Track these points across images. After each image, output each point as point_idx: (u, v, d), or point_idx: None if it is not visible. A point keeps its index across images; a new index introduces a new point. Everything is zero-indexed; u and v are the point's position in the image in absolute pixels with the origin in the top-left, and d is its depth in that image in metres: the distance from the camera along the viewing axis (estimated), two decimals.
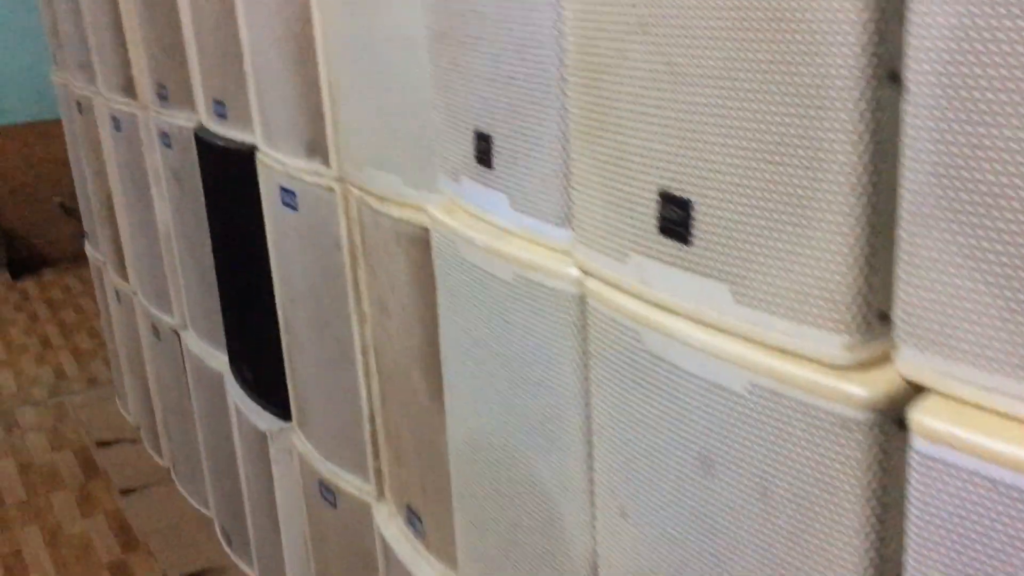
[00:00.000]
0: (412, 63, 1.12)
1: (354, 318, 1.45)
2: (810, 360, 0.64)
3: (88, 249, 2.93)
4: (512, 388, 0.99)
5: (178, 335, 2.30)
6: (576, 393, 0.89)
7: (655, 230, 0.73)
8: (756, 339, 0.67)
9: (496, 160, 0.95)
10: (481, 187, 0.99)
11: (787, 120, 0.60)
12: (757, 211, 0.64)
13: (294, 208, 1.51)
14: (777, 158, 0.62)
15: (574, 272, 0.86)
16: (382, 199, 1.26)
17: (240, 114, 1.68)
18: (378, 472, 1.53)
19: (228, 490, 2.21)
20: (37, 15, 5.13)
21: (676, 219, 0.70)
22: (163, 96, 2.00)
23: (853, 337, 0.61)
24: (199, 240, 2.03)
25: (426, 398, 1.27)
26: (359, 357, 1.47)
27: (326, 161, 1.40)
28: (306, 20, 1.34)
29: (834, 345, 0.62)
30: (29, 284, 5.13)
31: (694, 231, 0.69)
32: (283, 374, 1.77)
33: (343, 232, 1.41)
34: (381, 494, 1.54)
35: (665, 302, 0.74)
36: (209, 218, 1.93)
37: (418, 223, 1.18)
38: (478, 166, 0.99)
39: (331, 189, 1.40)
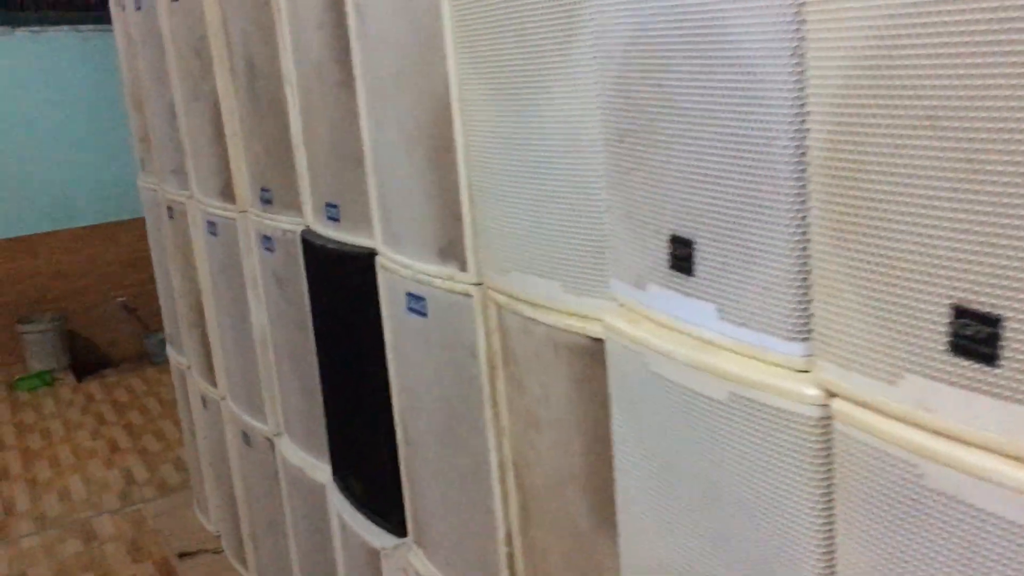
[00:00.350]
0: (576, 162, 1.05)
1: (491, 431, 1.36)
2: None
3: (170, 352, 2.88)
4: (719, 518, 0.88)
5: (272, 443, 2.22)
6: (814, 528, 0.78)
7: (944, 349, 0.63)
8: None
9: (699, 266, 0.87)
10: (677, 295, 0.90)
11: None
12: None
13: (422, 314, 1.43)
14: None
15: (813, 392, 0.76)
16: (535, 306, 1.17)
17: (356, 217, 1.63)
18: None
19: None
20: (101, 123, 5.28)
21: (978, 337, 0.61)
22: (266, 200, 1.96)
23: None
24: (301, 346, 1.96)
25: (585, 521, 1.17)
26: (495, 473, 1.37)
27: (463, 266, 1.33)
28: (444, 119, 1.28)
29: None
30: (93, 385, 5.11)
31: (1003, 351, 0.60)
32: (398, 487, 1.67)
33: (480, 340, 1.33)
34: None
35: (958, 432, 0.64)
36: (315, 323, 1.86)
37: (584, 332, 1.09)
38: (673, 272, 0.90)
39: (468, 295, 1.33)
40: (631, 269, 0.98)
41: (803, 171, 0.74)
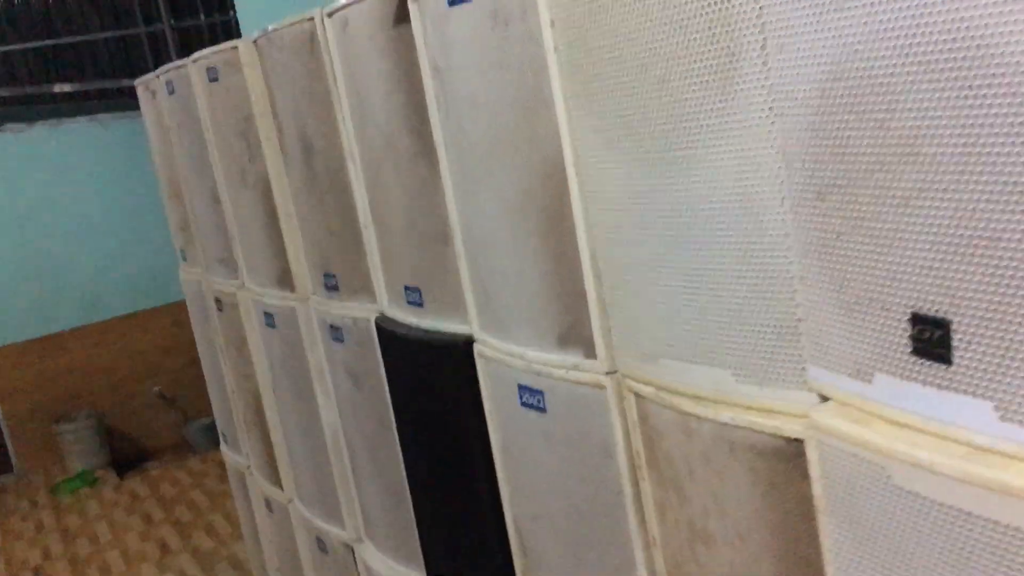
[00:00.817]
0: (748, 228, 0.87)
1: (638, 543, 1.16)
2: None
3: (226, 453, 2.69)
4: None
5: (352, 549, 2.02)
6: None
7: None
8: None
9: (959, 353, 0.68)
10: (926, 388, 0.71)
11: None
12: None
13: (540, 409, 1.24)
14: None
15: None
16: (697, 399, 0.99)
17: (443, 301, 1.45)
18: None
19: None
20: (125, 211, 5.16)
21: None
22: (331, 286, 1.79)
23: None
24: (382, 443, 1.77)
25: None
26: None
27: (590, 352, 1.14)
28: (557, 185, 1.11)
29: None
30: (136, 481, 4.92)
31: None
32: None
33: (618, 437, 1.14)
34: None
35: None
36: (399, 419, 1.67)
37: (773, 431, 0.90)
38: (918, 360, 0.71)
39: (600, 386, 1.14)
40: (845, 355, 0.79)
41: None
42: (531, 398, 1.26)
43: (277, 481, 2.31)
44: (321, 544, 2.15)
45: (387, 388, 1.69)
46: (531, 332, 1.23)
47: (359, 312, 1.72)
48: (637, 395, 1.10)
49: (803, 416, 0.87)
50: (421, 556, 1.75)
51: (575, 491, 1.23)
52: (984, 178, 0.64)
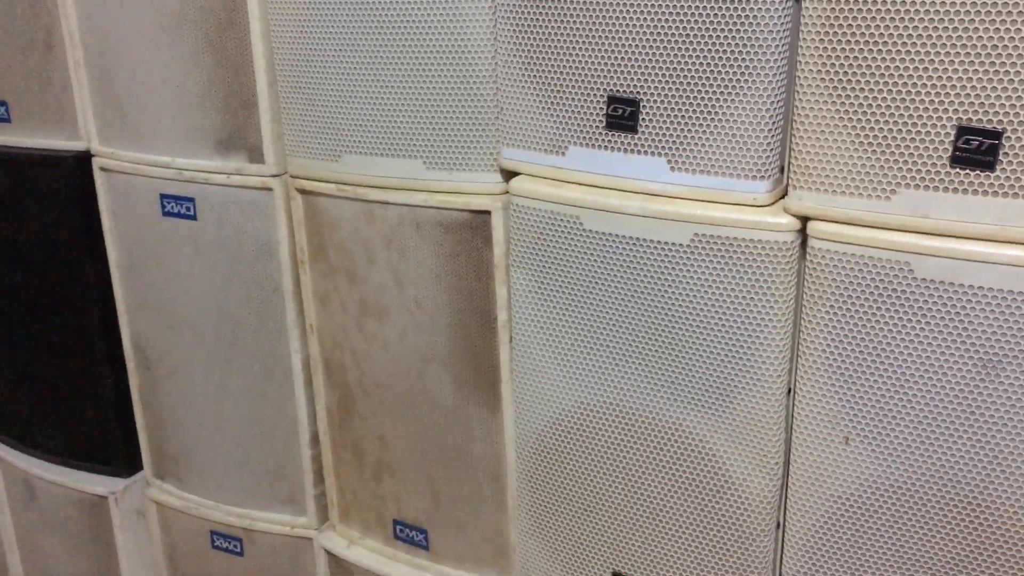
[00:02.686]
0: (450, 33, 1.04)
1: (294, 331, 1.29)
2: None
3: None
4: (659, 357, 0.99)
5: None
6: (782, 342, 0.93)
7: (947, 162, 0.81)
8: None
9: (645, 123, 0.95)
10: (613, 154, 0.97)
11: None
12: None
13: (189, 217, 1.28)
14: None
15: (785, 220, 0.90)
16: (385, 189, 1.14)
17: (41, 117, 1.36)
18: (320, 499, 1.38)
19: None
20: None
21: (980, 149, 0.79)
22: None
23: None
24: None
25: (450, 394, 1.19)
26: (299, 375, 1.31)
27: (256, 158, 1.22)
28: None
29: None
30: None
31: (1002, 159, 0.79)
32: (125, 423, 1.48)
33: (282, 237, 1.24)
34: (324, 521, 1.39)
35: (946, 229, 0.83)
36: None
37: (463, 206, 1.10)
38: (609, 132, 0.97)
39: (267, 189, 1.22)
40: (541, 135, 1.01)
41: (789, 22, 0.85)
42: (178, 206, 1.28)
43: None
44: None
45: None
46: (182, 141, 1.25)
47: None
48: (304, 193, 1.21)
49: (491, 193, 1.08)
50: None
51: (225, 294, 1.30)
52: None
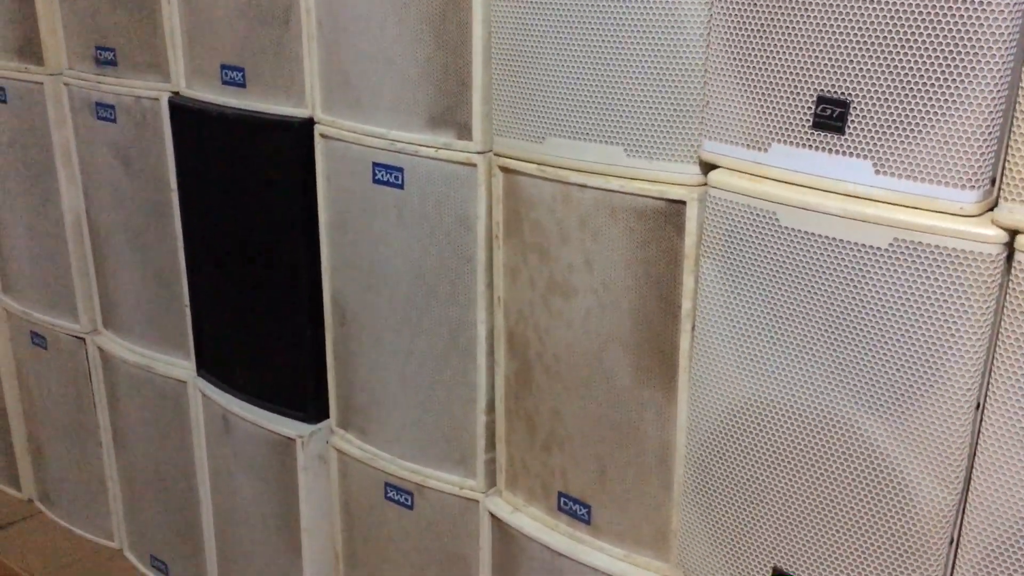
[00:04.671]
0: (668, 26, 1.08)
1: (481, 302, 1.35)
2: None
3: None
4: (846, 356, 1.00)
5: (83, 340, 1.97)
6: (976, 354, 0.92)
7: None
8: None
9: (853, 125, 0.95)
10: (817, 153, 0.98)
11: None
12: None
13: (397, 186, 1.37)
14: None
15: (992, 232, 0.89)
16: (583, 172, 1.19)
17: (274, 84, 1.49)
18: (490, 464, 1.44)
19: (163, 513, 1.95)
20: None
21: None
22: (106, 61, 1.70)
23: None
24: (151, 229, 1.75)
25: (627, 375, 1.23)
26: (483, 343, 1.37)
27: (464, 135, 1.29)
28: None
29: None
30: None
31: None
32: (317, 373, 1.60)
33: (481, 211, 1.31)
34: (492, 486, 1.46)
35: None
36: (185, 203, 1.67)
37: (658, 194, 1.13)
38: (814, 132, 0.98)
39: (471, 164, 1.29)
40: (744, 130, 1.03)
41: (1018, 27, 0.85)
42: (388, 175, 1.37)
43: None
44: (38, 338, 2.06)
45: (172, 170, 1.68)
46: (398, 114, 1.34)
47: (143, 91, 1.67)
48: (507, 171, 1.27)
49: (688, 184, 1.11)
50: (192, 344, 1.78)
51: (423, 260, 1.39)
52: None
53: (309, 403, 1.62)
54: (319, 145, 1.45)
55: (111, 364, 1.94)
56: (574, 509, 1.35)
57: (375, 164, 1.38)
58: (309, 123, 1.46)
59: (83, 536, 2.17)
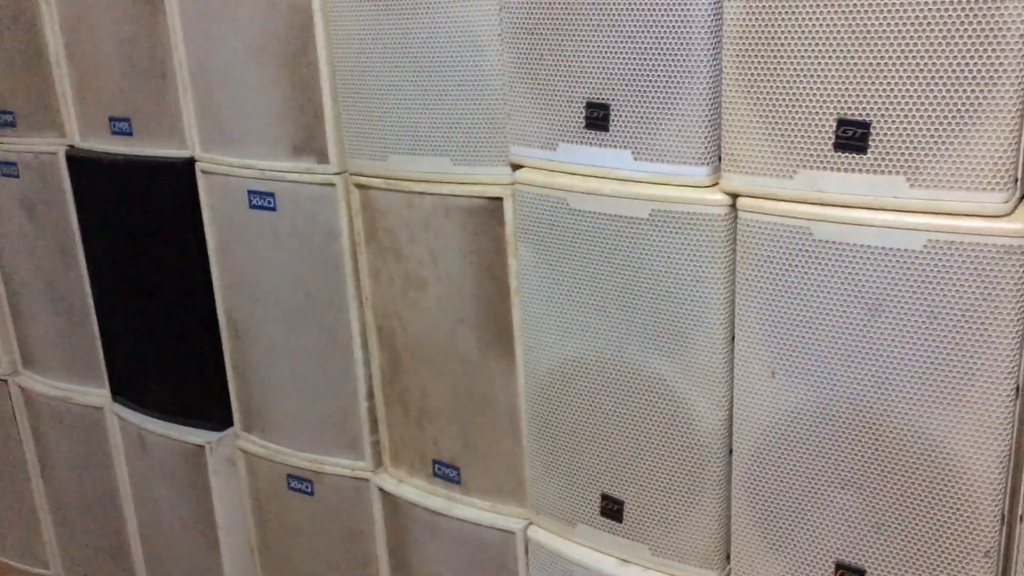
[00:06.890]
0: (474, 59, 1.31)
1: (352, 302, 1.57)
2: None
3: None
4: (628, 314, 1.24)
5: (5, 382, 2.13)
6: (721, 294, 1.17)
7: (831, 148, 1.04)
8: None
9: (614, 123, 1.20)
10: (592, 148, 1.23)
11: None
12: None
13: (270, 209, 1.58)
14: None
15: (719, 197, 1.14)
16: (421, 182, 1.42)
17: (157, 130, 1.69)
18: (375, 446, 1.65)
19: (93, 534, 2.11)
20: None
21: (854, 136, 1.02)
22: (5, 123, 1.89)
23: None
24: (60, 271, 1.94)
25: (475, 350, 1.45)
26: (357, 339, 1.59)
27: (323, 160, 1.51)
28: (302, 25, 1.45)
29: None
30: None
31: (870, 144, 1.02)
32: (219, 384, 1.79)
33: (343, 223, 1.53)
34: (379, 464, 1.67)
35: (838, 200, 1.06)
36: (88, 245, 1.86)
37: (481, 194, 1.37)
38: (587, 131, 1.22)
39: (331, 184, 1.52)
40: (538, 134, 1.28)
41: (718, 41, 1.10)
42: (261, 200, 1.59)
43: None
44: None
45: (74, 216, 1.87)
46: (265, 147, 1.56)
47: (42, 147, 1.86)
48: (361, 187, 1.50)
49: (503, 184, 1.34)
50: (105, 373, 1.96)
51: (299, 272, 1.60)
52: (642, 18, 1.15)
53: (214, 412, 1.81)
54: (201, 180, 1.66)
55: (33, 402, 2.10)
56: (447, 473, 1.56)
57: (250, 191, 1.60)
58: (191, 162, 1.66)
59: (20, 568, 2.31)
